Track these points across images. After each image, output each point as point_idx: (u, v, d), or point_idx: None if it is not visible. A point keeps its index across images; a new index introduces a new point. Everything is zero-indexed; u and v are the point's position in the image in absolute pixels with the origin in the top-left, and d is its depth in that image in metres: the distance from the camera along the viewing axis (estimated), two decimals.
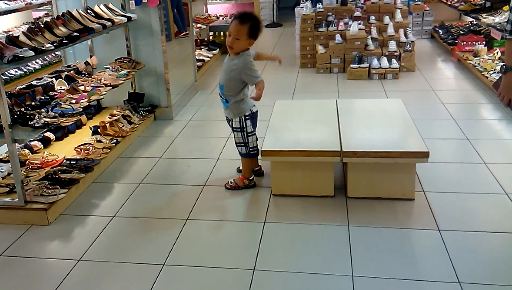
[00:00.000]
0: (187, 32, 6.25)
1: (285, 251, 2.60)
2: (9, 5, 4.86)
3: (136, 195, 3.31)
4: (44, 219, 2.96)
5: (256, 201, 3.14)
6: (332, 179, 3.08)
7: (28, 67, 6.43)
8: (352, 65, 5.92)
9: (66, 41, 3.35)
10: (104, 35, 4.43)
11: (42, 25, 3.45)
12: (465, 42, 6.40)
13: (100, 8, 4.18)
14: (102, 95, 3.78)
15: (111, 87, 3.91)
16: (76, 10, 3.88)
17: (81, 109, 3.58)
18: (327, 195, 3.09)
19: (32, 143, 3.80)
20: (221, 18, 10.01)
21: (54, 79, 3.88)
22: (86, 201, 3.26)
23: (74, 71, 4.18)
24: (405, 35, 6.31)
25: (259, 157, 3.16)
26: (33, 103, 3.35)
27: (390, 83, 5.64)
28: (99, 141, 3.94)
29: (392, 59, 5.93)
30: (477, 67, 5.58)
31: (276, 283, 2.34)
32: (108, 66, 4.30)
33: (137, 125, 4.38)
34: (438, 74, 5.99)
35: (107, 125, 4.12)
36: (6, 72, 5.97)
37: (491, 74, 5.20)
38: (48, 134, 3.96)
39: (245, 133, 3.16)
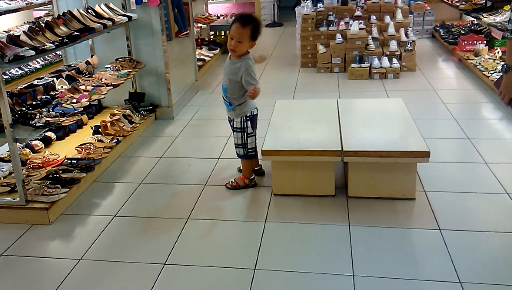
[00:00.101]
0: (188, 31, 6.25)
1: (285, 250, 2.60)
2: (10, 4, 4.86)
3: (137, 195, 3.31)
4: (45, 218, 2.97)
5: (256, 200, 3.15)
6: (333, 178, 3.08)
7: (29, 67, 6.44)
8: (353, 65, 5.92)
9: (67, 40, 3.35)
10: (105, 35, 4.43)
11: (43, 25, 3.45)
12: (466, 42, 6.39)
13: (101, 8, 4.19)
14: (103, 94, 3.79)
15: (112, 87, 3.91)
16: (77, 9, 3.88)
17: (82, 108, 3.58)
18: (327, 195, 3.09)
19: (33, 142, 3.80)
20: (221, 17, 10.01)
21: (55, 79, 3.88)
22: (87, 200, 3.27)
23: (75, 71, 4.18)
24: (406, 35, 6.31)
25: (260, 156, 3.16)
26: (34, 102, 3.36)
27: (391, 83, 5.64)
28: (100, 140, 3.95)
29: (393, 58, 5.92)
30: (478, 66, 5.58)
31: (277, 282, 2.35)
32: (109, 66, 4.30)
33: (138, 125, 4.38)
34: (439, 74, 5.99)
35: (108, 124, 4.13)
36: (7, 72, 5.97)
37: (492, 73, 5.20)
38: (49, 133, 3.97)
39: (245, 133, 3.16)
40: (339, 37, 6.18)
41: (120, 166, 3.78)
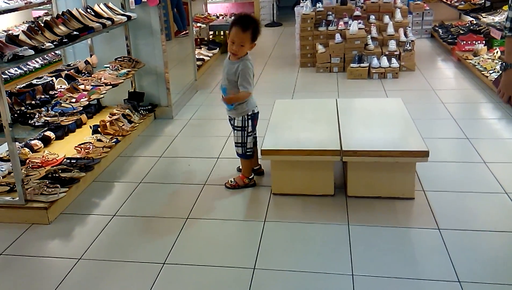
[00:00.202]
0: (187, 31, 6.25)
1: (285, 250, 2.60)
2: (9, 4, 4.86)
3: (137, 194, 3.31)
4: (44, 218, 2.96)
5: (256, 200, 3.15)
6: (332, 178, 3.09)
7: (28, 66, 6.43)
8: (352, 65, 5.92)
9: (66, 40, 3.35)
10: (104, 34, 4.43)
11: (42, 24, 3.45)
12: (465, 42, 6.40)
13: (100, 7, 4.18)
14: (102, 94, 3.79)
15: (111, 86, 3.91)
16: (76, 9, 3.88)
17: (81, 108, 3.58)
18: (327, 194, 3.09)
19: (33, 142, 3.80)
20: (221, 17, 10.01)
21: (54, 78, 3.88)
22: (86, 200, 3.27)
23: (74, 70, 4.18)
24: (405, 35, 6.31)
25: (259, 156, 3.17)
26: (33, 102, 3.35)
27: (390, 83, 5.64)
28: (99, 140, 3.95)
29: (392, 58, 5.93)
30: (477, 66, 5.59)
31: (276, 282, 2.35)
32: (108, 65, 4.30)
33: (137, 124, 4.38)
34: (438, 74, 6.00)
35: (107, 124, 4.13)
36: (6, 71, 5.97)
37: (491, 73, 5.21)
38: (48, 133, 3.96)
39: (245, 132, 3.17)
40: (338, 37, 6.18)
41: (120, 166, 3.78)
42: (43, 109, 3.22)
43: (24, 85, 3.73)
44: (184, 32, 6.42)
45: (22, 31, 3.26)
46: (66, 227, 2.95)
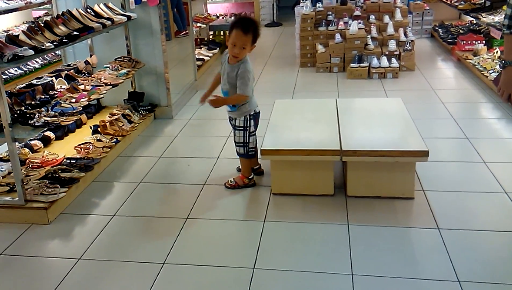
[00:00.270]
0: (187, 31, 6.25)
1: (285, 250, 2.60)
2: (9, 4, 4.86)
3: (136, 194, 3.31)
4: (44, 218, 2.97)
5: (256, 200, 3.15)
6: (332, 178, 3.09)
7: (28, 66, 6.44)
8: (352, 64, 5.93)
9: (66, 40, 3.35)
10: (104, 34, 4.43)
11: (42, 24, 3.45)
12: (464, 42, 6.40)
13: (100, 7, 4.18)
14: (102, 94, 3.79)
15: (111, 86, 3.91)
16: (76, 9, 3.88)
17: (81, 108, 3.58)
18: (327, 194, 3.09)
19: (32, 142, 3.80)
20: (221, 17, 10.01)
21: (54, 78, 3.88)
22: (86, 200, 3.27)
23: (74, 70, 4.18)
24: (405, 35, 6.31)
25: (259, 156, 3.17)
26: (33, 102, 3.35)
27: (390, 82, 5.64)
28: (99, 140, 3.95)
29: (392, 58, 5.93)
30: (476, 66, 5.59)
31: (276, 281, 2.35)
32: (108, 65, 4.30)
33: (137, 124, 4.38)
34: (438, 74, 6.00)
35: (107, 124, 4.13)
36: (6, 71, 5.97)
37: (490, 73, 5.21)
38: (48, 133, 3.96)
39: (247, 132, 3.17)
40: (338, 37, 6.18)
41: (119, 166, 3.78)
42: (43, 109, 3.22)
43: (24, 85, 3.73)
44: (184, 32, 6.42)
45: (22, 31, 3.26)
46: (66, 227, 2.95)
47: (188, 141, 4.25)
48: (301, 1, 7.15)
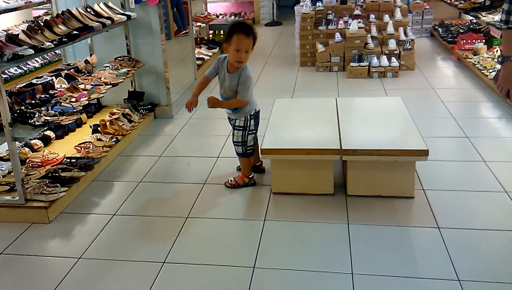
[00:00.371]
0: (187, 30, 6.26)
1: (285, 249, 2.60)
2: (9, 3, 4.85)
3: (136, 194, 3.31)
4: (44, 217, 2.97)
5: (256, 199, 3.15)
6: (332, 177, 3.09)
7: (28, 66, 6.43)
8: (351, 64, 5.93)
9: (66, 39, 3.35)
10: (104, 34, 4.43)
11: (42, 24, 3.45)
12: (464, 41, 6.40)
13: (99, 7, 4.18)
14: (102, 93, 3.79)
15: (111, 86, 3.92)
16: (76, 8, 3.88)
17: (81, 107, 3.59)
18: (327, 193, 3.09)
19: (33, 141, 3.80)
20: (220, 16, 10.02)
21: (54, 78, 3.88)
22: (86, 199, 3.27)
23: (74, 70, 4.18)
24: (405, 34, 6.31)
25: (260, 155, 3.17)
26: (33, 101, 3.35)
27: (390, 82, 5.64)
28: (99, 139, 3.95)
29: (392, 57, 5.93)
30: (476, 65, 5.59)
31: (276, 280, 2.35)
32: (108, 65, 4.30)
33: (137, 124, 4.38)
34: (438, 73, 6.00)
35: (107, 123, 4.13)
36: (6, 71, 5.97)
37: (490, 72, 5.21)
38: (48, 132, 3.97)
39: (246, 132, 3.17)
40: (338, 36, 6.18)
41: (120, 165, 3.78)
42: (43, 108, 3.22)
43: (24, 84, 3.73)
44: (184, 32, 6.42)
45: (22, 30, 3.26)
46: (66, 226, 2.95)
47: (188, 141, 4.25)
48: (301, 0, 7.14)
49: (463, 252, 2.47)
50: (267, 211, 2.98)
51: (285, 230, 2.78)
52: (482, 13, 6.09)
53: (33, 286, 2.43)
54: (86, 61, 4.40)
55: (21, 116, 3.08)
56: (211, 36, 8.39)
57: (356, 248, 2.54)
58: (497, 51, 5.74)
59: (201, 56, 6.86)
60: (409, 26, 6.59)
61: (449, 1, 7.63)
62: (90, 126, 4.14)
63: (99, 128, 4.08)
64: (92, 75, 4.11)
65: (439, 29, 7.72)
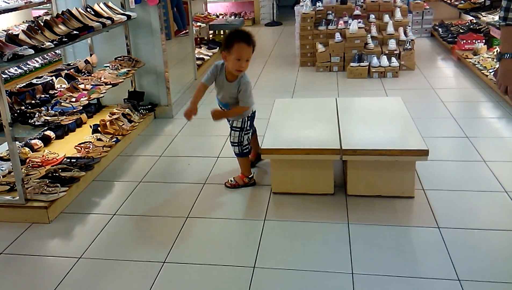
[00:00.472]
0: (187, 30, 6.26)
1: (285, 248, 2.60)
2: (9, 3, 4.85)
3: (137, 193, 3.31)
4: (44, 217, 2.97)
5: (256, 199, 3.15)
6: (332, 177, 3.09)
7: (28, 66, 6.43)
8: (352, 64, 5.93)
9: (66, 39, 3.35)
10: (104, 34, 4.43)
11: (42, 24, 3.45)
12: (464, 41, 6.40)
13: (99, 7, 4.19)
14: (102, 93, 3.79)
15: (111, 86, 3.92)
16: (76, 8, 3.88)
17: (81, 107, 3.59)
18: (327, 193, 3.09)
19: (33, 141, 3.80)
20: (221, 16, 10.02)
21: (54, 78, 3.88)
22: (86, 199, 3.27)
23: (74, 70, 4.18)
24: (405, 34, 6.31)
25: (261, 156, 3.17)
26: (33, 101, 3.35)
27: (390, 82, 5.64)
28: (99, 139, 3.95)
29: (392, 57, 5.93)
30: (476, 65, 5.59)
31: (276, 280, 2.35)
32: (108, 65, 4.30)
33: (137, 124, 4.38)
34: (438, 73, 6.00)
35: (107, 123, 4.13)
36: (6, 71, 5.97)
37: (490, 72, 5.21)
38: (48, 132, 3.97)
39: (243, 132, 3.18)
40: (338, 36, 6.18)
41: (120, 165, 3.78)
42: (43, 108, 3.22)
43: (24, 84, 3.73)
44: (184, 32, 6.43)
45: (22, 30, 3.26)
46: (66, 226, 2.95)
47: (188, 140, 4.25)
48: (301, 0, 7.15)
49: (463, 252, 2.47)
50: (267, 211, 2.98)
51: (285, 230, 2.78)
52: (482, 13, 6.09)
53: (33, 286, 2.43)
54: (86, 61, 4.40)
55: (21, 116, 3.08)
56: (211, 36, 8.39)
57: (356, 248, 2.54)
58: (497, 51, 5.74)
59: (201, 56, 6.86)
60: (409, 26, 6.59)
61: (449, 1, 7.64)
62: (90, 126, 4.14)
63: (99, 128, 4.08)
64: (92, 75, 4.11)
65: (439, 29, 7.72)
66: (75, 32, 3.48)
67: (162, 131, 4.47)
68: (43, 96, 3.48)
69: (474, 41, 6.33)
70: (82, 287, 2.40)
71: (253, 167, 3.49)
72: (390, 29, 6.27)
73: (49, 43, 3.17)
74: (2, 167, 3.38)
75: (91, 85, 3.82)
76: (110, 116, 4.25)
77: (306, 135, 3.17)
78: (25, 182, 3.05)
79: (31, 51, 2.95)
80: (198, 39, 7.65)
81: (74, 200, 3.23)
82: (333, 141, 3.03)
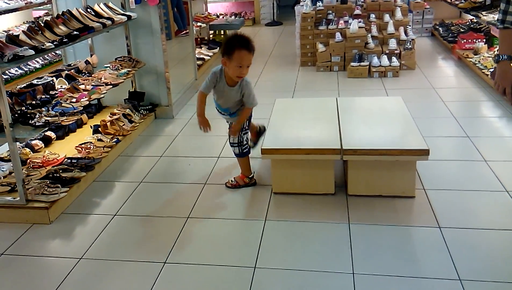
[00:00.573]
0: (187, 31, 6.25)
1: (285, 248, 2.60)
2: (9, 4, 4.86)
3: (137, 194, 3.32)
4: (45, 217, 2.97)
5: (256, 199, 3.15)
6: (333, 177, 3.09)
7: (28, 66, 6.44)
8: (352, 63, 5.92)
9: (66, 40, 3.35)
10: (104, 34, 4.43)
11: (42, 24, 3.45)
12: (465, 40, 6.40)
13: (100, 7, 4.19)
14: (102, 94, 3.79)
15: (111, 86, 3.92)
16: (76, 9, 3.89)
17: (82, 108, 3.59)
18: (327, 193, 3.09)
19: (33, 142, 3.81)
20: (221, 16, 10.01)
21: (54, 78, 3.88)
22: (87, 199, 3.27)
23: (75, 70, 4.18)
24: (405, 33, 6.31)
25: (260, 154, 3.17)
26: (34, 102, 3.36)
27: (390, 81, 5.64)
28: (100, 140, 3.95)
29: (392, 57, 5.93)
30: (477, 65, 5.58)
31: (277, 280, 2.35)
32: (109, 65, 4.30)
33: (138, 124, 4.39)
34: (438, 72, 5.99)
35: (108, 124, 4.13)
36: (7, 71, 5.98)
37: (491, 71, 5.20)
38: (49, 133, 3.97)
39: (241, 132, 3.17)
40: (338, 36, 6.18)
41: (120, 165, 3.79)
42: (43, 109, 3.23)
43: (24, 85, 3.74)
44: (184, 32, 6.42)
45: (22, 31, 3.27)
46: (67, 226, 2.95)
47: (189, 141, 4.25)
48: (301, 0, 7.14)
49: (464, 252, 2.47)
50: (268, 211, 2.98)
51: (286, 230, 2.78)
52: (483, 13, 6.09)
53: (34, 286, 2.43)
54: (87, 62, 4.41)
55: (21, 117, 3.08)
56: (211, 36, 8.39)
57: (357, 247, 2.54)
58: (497, 50, 5.73)
59: (201, 56, 6.86)
60: (410, 26, 6.58)
61: (449, 1, 7.63)
62: (91, 127, 4.14)
63: (99, 129, 4.09)
64: (93, 75, 4.11)
65: (440, 28, 7.72)
66: (75, 32, 3.49)
67: (163, 132, 4.47)
68: (43, 96, 3.49)
69: (474, 40, 6.32)
70: (83, 287, 2.40)
71: (255, 145, 3.50)
72: (391, 28, 6.27)
73: (50, 44, 3.17)
74: (2, 167, 3.38)
75: (92, 85, 3.82)
76: (110, 117, 4.25)
77: (307, 135, 3.17)
78: (25, 183, 3.06)
79: (32, 52, 2.96)
80: (199, 39, 7.65)
81: (75, 201, 3.24)
82: (334, 141, 3.03)
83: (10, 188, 3.16)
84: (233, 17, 10.25)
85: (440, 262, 2.40)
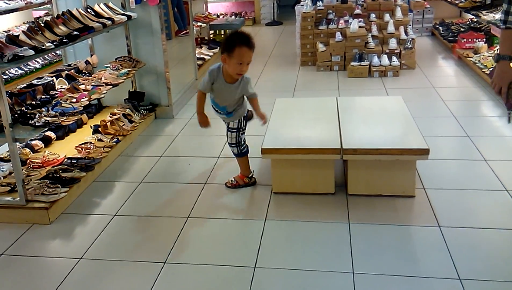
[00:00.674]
0: (188, 30, 6.25)
1: (285, 248, 2.60)
2: (9, 4, 4.86)
3: (137, 194, 3.32)
4: (45, 218, 2.97)
5: (256, 199, 3.15)
6: (333, 176, 3.09)
7: (28, 66, 6.44)
8: (352, 63, 5.92)
9: (66, 40, 3.35)
10: (104, 34, 4.43)
11: (42, 24, 3.45)
12: (465, 39, 6.39)
13: (100, 7, 4.19)
14: (102, 94, 3.79)
15: (111, 86, 3.92)
16: (76, 9, 3.89)
17: (82, 108, 3.59)
18: (327, 193, 3.09)
19: (33, 142, 3.81)
20: (221, 16, 10.01)
21: (54, 78, 3.88)
22: (87, 200, 3.27)
23: (75, 70, 4.18)
24: (406, 33, 6.30)
25: (260, 154, 3.17)
26: (34, 102, 3.36)
27: (391, 81, 5.64)
28: (100, 140, 3.95)
29: (393, 56, 5.93)
30: (477, 64, 5.58)
31: (277, 280, 2.35)
32: (109, 65, 4.30)
33: (138, 124, 4.39)
34: (439, 72, 5.99)
35: (108, 124, 4.13)
36: (7, 72, 5.98)
37: (490, 70, 5.19)
38: (49, 133, 3.97)
39: (239, 133, 3.17)
40: (338, 36, 6.17)
41: (120, 165, 3.79)
42: (43, 109, 3.23)
43: (24, 85, 3.74)
44: (185, 32, 6.41)
45: (22, 31, 3.27)
46: (67, 227, 2.95)
47: (189, 141, 4.25)
48: (302, 0, 7.14)
49: (464, 251, 2.46)
50: (268, 210, 2.98)
51: (286, 229, 2.78)
52: (483, 12, 6.08)
53: (34, 286, 2.43)
54: (87, 62, 4.41)
55: (21, 117, 3.08)
56: (211, 36, 8.39)
57: (357, 247, 2.54)
58: (497, 50, 5.73)
59: (201, 56, 6.86)
60: (410, 25, 6.58)
61: (449, 0, 7.62)
62: (91, 127, 4.15)
63: (99, 129, 4.09)
64: (93, 75, 4.11)
65: (440, 28, 7.71)
66: (75, 32, 3.49)
67: (163, 131, 4.47)
68: (43, 96, 3.49)
69: (474, 39, 6.31)
70: (83, 287, 2.40)
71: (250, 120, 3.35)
72: (391, 28, 6.27)
73: (50, 44, 3.17)
74: (2, 168, 3.39)
75: (92, 85, 3.82)
76: (110, 117, 4.25)
77: (307, 135, 3.17)
78: (25, 183, 3.06)
79: (32, 52, 2.96)
80: (199, 39, 7.65)
81: (75, 201, 3.24)
82: (334, 141, 3.03)
83: (10, 188, 3.17)
84: (233, 17, 10.24)
85: (440, 261, 2.40)
